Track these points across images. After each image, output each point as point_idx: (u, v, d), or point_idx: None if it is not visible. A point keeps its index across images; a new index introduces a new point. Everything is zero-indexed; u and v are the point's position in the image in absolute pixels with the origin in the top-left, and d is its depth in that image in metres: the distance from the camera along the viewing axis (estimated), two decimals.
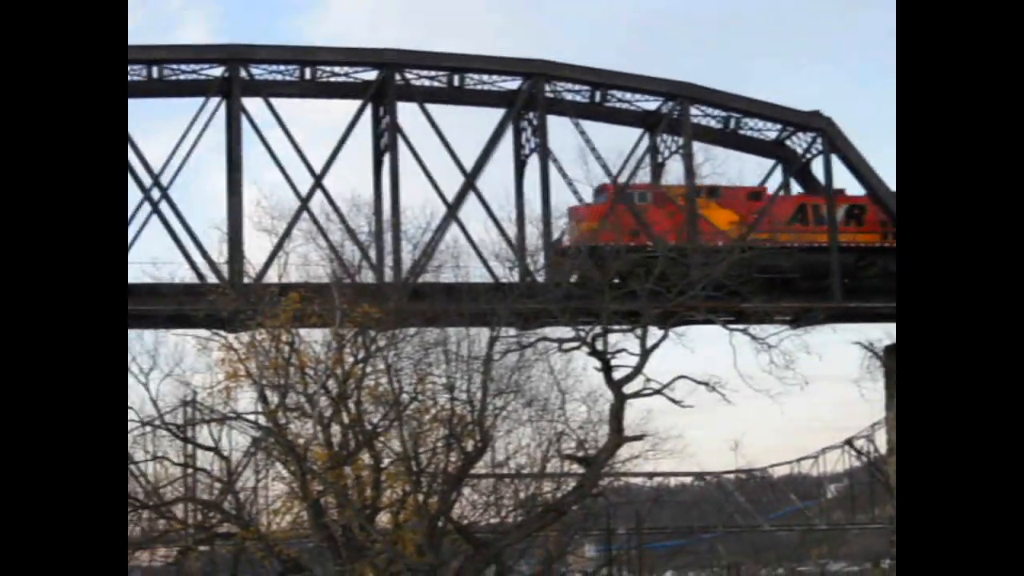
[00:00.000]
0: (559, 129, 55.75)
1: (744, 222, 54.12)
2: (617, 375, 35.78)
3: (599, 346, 36.10)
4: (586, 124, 55.42)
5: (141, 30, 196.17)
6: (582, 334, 36.41)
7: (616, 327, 36.58)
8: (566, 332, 37.22)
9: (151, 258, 62.52)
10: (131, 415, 42.84)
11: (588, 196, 54.71)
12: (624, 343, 36.61)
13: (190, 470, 48.21)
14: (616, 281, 42.60)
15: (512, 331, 37.33)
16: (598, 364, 36.15)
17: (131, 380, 41.85)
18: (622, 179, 54.64)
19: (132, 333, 44.36)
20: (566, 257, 51.28)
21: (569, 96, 55.76)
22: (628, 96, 56.03)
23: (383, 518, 35.48)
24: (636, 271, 41.66)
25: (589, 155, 54.15)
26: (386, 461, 35.43)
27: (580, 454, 36.07)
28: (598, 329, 36.24)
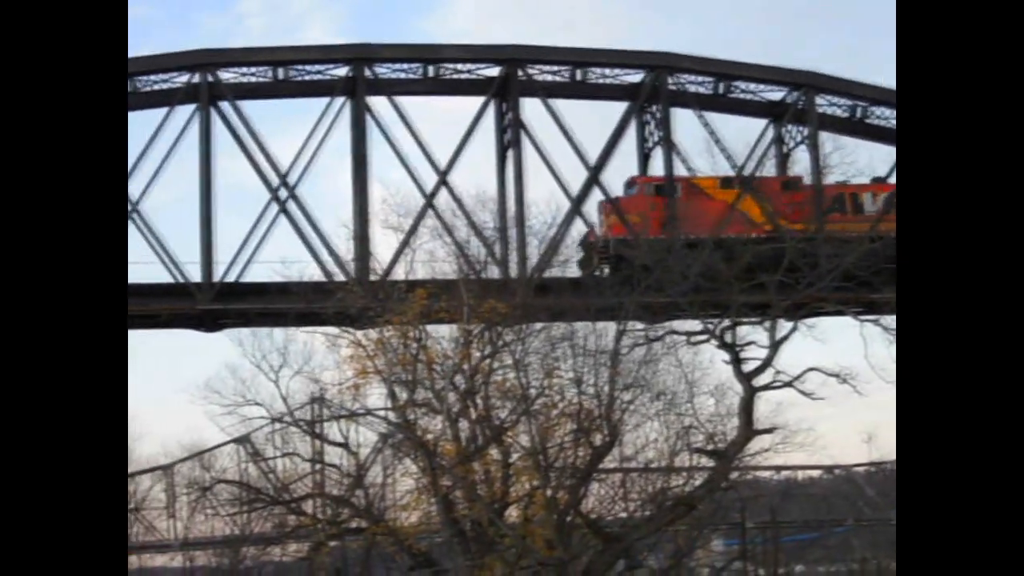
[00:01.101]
0: (683, 121, 55.35)
1: (778, 213, 53.14)
2: (747, 368, 35.38)
3: (728, 339, 35.73)
4: (710, 115, 55.01)
5: (267, 32, 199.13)
6: (711, 327, 36.06)
7: (745, 319, 36.18)
8: (694, 325, 36.91)
9: (280, 257, 63.63)
10: (262, 412, 43.68)
11: None
12: (753, 335, 36.21)
13: (319, 466, 48.85)
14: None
15: (639, 325, 37.08)
16: (727, 357, 35.79)
17: (262, 377, 42.57)
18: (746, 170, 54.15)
19: (263, 331, 45.08)
20: (594, 250, 51.18)
21: (692, 88, 55.37)
22: (752, 87, 55.46)
23: (512, 512, 35.50)
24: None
25: (714, 147, 53.79)
26: (514, 456, 35.43)
27: (709, 447, 35.75)
28: (727, 322, 35.86)
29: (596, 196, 54.01)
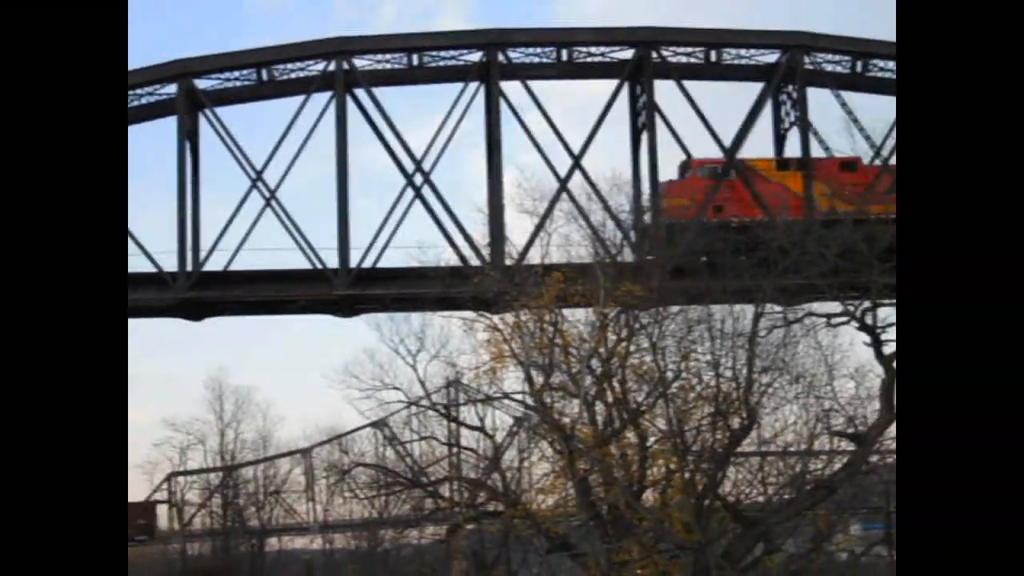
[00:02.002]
0: (820, 101, 54.64)
1: (836, 194, 51.88)
2: (887, 350, 34.81)
3: (868, 320, 35.19)
4: (848, 95, 54.23)
5: (400, 20, 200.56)
6: (851, 309, 35.54)
7: (886, 301, 35.58)
8: (833, 307, 36.40)
9: (416, 242, 64.21)
10: (399, 396, 44.10)
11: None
12: (894, 317, 35.61)
13: (456, 449, 49.21)
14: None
15: (777, 307, 36.69)
16: (867, 339, 35.24)
17: (399, 361, 42.96)
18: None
19: (399, 316, 45.51)
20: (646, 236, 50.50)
21: (829, 67, 54.61)
22: (892, 64, 54.53)
23: (649, 496, 35.40)
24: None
25: (852, 127, 53.03)
26: (651, 439, 35.32)
27: (850, 431, 35.25)
28: (867, 303, 35.32)
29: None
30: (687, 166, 53.69)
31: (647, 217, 52.28)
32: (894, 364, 34.58)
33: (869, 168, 53.35)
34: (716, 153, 53.05)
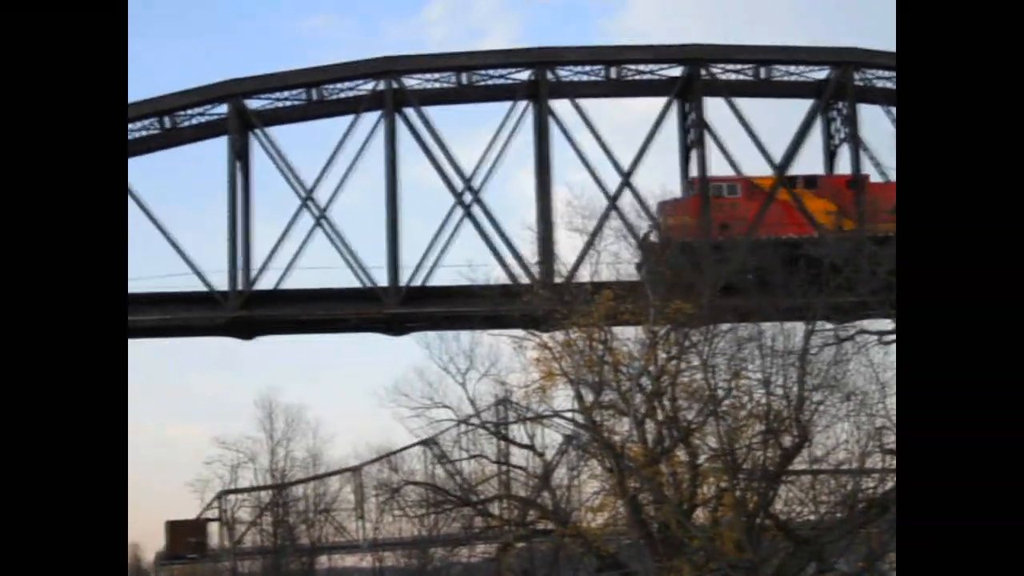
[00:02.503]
0: (870, 117, 54.31)
1: (843, 212, 51.41)
2: None
3: None
4: None
5: (449, 39, 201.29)
6: None
7: None
8: (885, 324, 36.17)
9: (466, 260, 64.27)
10: (449, 414, 44.10)
11: None
12: None
13: (506, 468, 49.13)
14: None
15: (828, 324, 36.48)
16: None
17: (449, 379, 42.99)
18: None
19: (449, 334, 45.55)
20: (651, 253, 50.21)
21: (880, 83, 54.32)
22: None
23: (700, 514, 35.23)
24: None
25: None
26: (702, 457, 35.19)
27: None
28: None
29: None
30: (691, 184, 53.46)
31: (653, 236, 52.18)
32: None
33: (882, 184, 52.85)
34: (767, 170, 52.82)
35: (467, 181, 53.04)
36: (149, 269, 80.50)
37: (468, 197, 53.26)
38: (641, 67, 54.75)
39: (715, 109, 53.60)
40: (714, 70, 53.64)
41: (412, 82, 54.30)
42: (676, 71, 54.15)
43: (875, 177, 53.24)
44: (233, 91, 53.84)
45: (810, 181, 52.94)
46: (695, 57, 53.56)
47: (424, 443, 73.23)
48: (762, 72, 54.71)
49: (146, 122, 54.56)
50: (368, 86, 53.92)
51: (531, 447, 44.22)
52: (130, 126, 54.52)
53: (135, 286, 53.65)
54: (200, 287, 52.61)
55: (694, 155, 53.56)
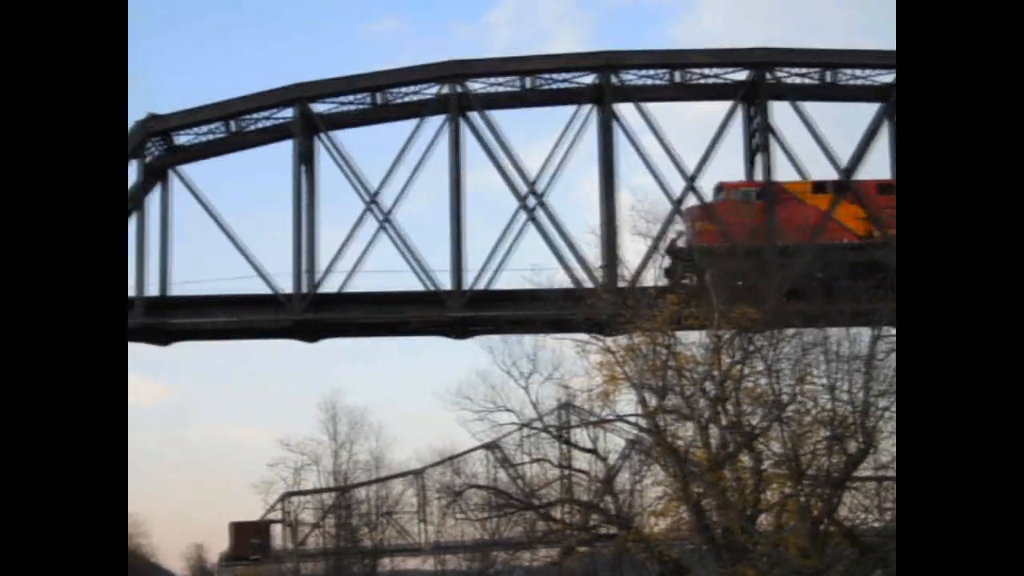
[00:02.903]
0: None
1: (874, 218, 50.86)
2: None
3: None
4: None
5: (514, 43, 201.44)
6: None
7: None
8: None
9: (530, 264, 64.28)
10: (511, 417, 44.12)
11: None
12: None
13: (568, 472, 49.08)
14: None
15: (894, 330, 36.17)
16: None
17: (512, 383, 43.01)
18: None
19: (512, 337, 45.56)
20: (677, 259, 49.97)
21: None
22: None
23: (765, 520, 35.04)
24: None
25: None
26: (766, 463, 35.00)
27: None
28: None
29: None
30: (719, 189, 53.13)
31: (680, 241, 52.00)
32: None
33: None
34: (833, 175, 52.45)
35: (531, 185, 53.05)
36: (215, 272, 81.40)
37: (532, 201, 53.26)
38: (706, 71, 54.53)
39: (781, 113, 53.33)
40: (780, 74, 53.30)
41: (477, 86, 54.37)
42: (742, 75, 53.88)
43: None
44: (299, 95, 54.15)
45: (840, 186, 52.56)
46: (761, 61, 53.27)
47: (487, 447, 73.21)
48: (828, 76, 54.30)
49: (212, 126, 55.01)
50: (433, 90, 54.05)
51: (594, 451, 44.17)
52: (196, 130, 55.02)
53: (201, 288, 54.20)
54: (265, 290, 52.96)
55: (759, 159, 53.26)
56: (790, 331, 35.74)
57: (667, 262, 50.56)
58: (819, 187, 52.28)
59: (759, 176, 53.29)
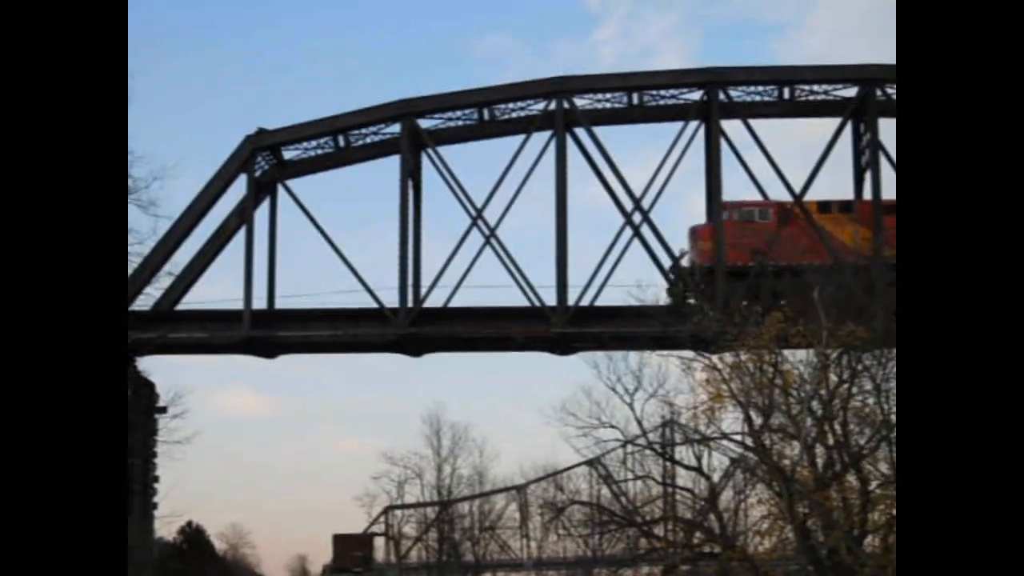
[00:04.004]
0: None
1: (879, 238, 50.11)
2: None
3: None
4: None
5: (620, 59, 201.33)
6: None
7: None
8: None
9: (636, 281, 64.23)
10: (615, 434, 43.96)
11: None
12: None
13: (671, 489, 48.81)
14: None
15: None
16: None
17: (616, 400, 42.85)
18: None
19: (617, 354, 45.44)
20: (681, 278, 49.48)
21: None
22: None
23: (871, 541, 34.56)
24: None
25: None
26: (873, 483, 34.51)
27: None
28: None
29: None
30: (723, 208, 52.68)
31: (684, 261, 51.73)
32: None
33: None
34: None
35: (637, 201, 52.98)
36: (321, 286, 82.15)
37: (637, 217, 53.18)
38: (815, 87, 54.14)
39: (890, 130, 52.78)
40: (890, 90, 52.70)
41: (583, 102, 54.45)
42: (851, 91, 53.41)
43: None
44: (406, 110, 54.58)
45: (846, 206, 52.06)
46: (870, 77, 52.75)
47: (589, 463, 73.21)
48: None
49: (320, 140, 55.61)
50: (539, 106, 54.22)
51: (698, 469, 43.84)
52: (305, 145, 55.67)
53: (307, 302, 54.83)
54: (371, 304, 53.38)
55: (868, 176, 52.72)
56: None
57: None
58: (824, 207, 51.98)
59: (867, 195, 52.74)
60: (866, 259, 48.44)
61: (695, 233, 53.14)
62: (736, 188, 59.85)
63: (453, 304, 53.09)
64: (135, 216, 38.91)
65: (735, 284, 49.67)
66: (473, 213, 53.69)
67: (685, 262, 52.50)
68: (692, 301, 49.87)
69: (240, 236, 54.51)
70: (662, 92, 54.71)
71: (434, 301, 53.42)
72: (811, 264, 48.76)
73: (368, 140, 55.76)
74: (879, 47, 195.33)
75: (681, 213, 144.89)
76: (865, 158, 53.24)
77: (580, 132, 54.00)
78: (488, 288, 58.45)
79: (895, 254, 45.09)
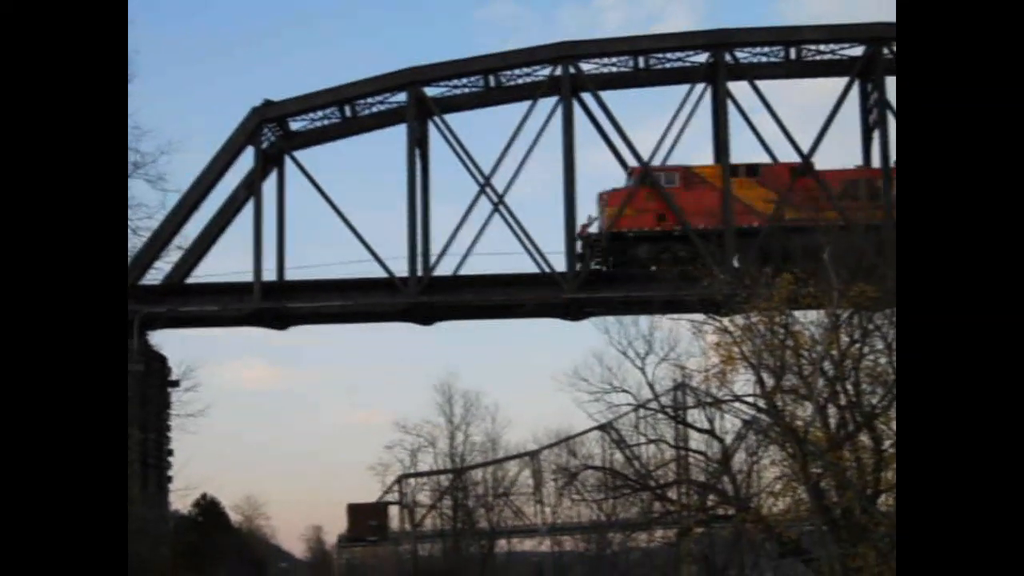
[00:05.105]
0: None
1: (785, 201, 50.45)
2: None
3: None
4: None
5: (626, 23, 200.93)
6: None
7: None
8: None
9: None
10: (627, 399, 44.02)
11: None
12: None
13: (684, 452, 48.90)
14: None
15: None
16: None
17: (627, 364, 42.91)
18: None
19: (628, 318, 45.48)
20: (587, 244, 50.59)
21: None
22: None
23: (885, 500, 34.59)
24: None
25: None
26: (887, 442, 34.51)
27: None
28: None
29: None
30: (630, 174, 52.74)
31: (592, 227, 51.87)
32: None
33: (830, 171, 51.93)
34: None
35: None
36: (331, 256, 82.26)
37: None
38: (821, 47, 53.97)
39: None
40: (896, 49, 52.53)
41: (589, 67, 54.31)
42: (857, 51, 53.22)
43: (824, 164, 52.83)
44: (412, 79, 54.49)
45: (752, 169, 52.27)
46: (876, 36, 52.54)
47: (602, 428, 73.37)
48: None
49: (326, 111, 55.54)
50: (545, 72, 54.12)
51: (710, 432, 43.92)
52: (311, 116, 55.61)
53: (317, 272, 54.87)
54: (380, 273, 53.41)
55: (876, 135, 52.57)
56: None
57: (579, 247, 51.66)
58: (732, 171, 52.04)
59: (876, 153, 52.62)
60: (769, 220, 49.20)
61: (602, 198, 53.23)
62: (744, 149, 59.88)
63: (463, 272, 53.15)
64: (144, 190, 39.32)
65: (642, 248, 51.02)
66: (481, 181, 53.64)
67: (594, 228, 52.82)
68: (603, 268, 50.51)
69: (249, 208, 54.56)
70: (668, 55, 54.56)
71: (444, 269, 53.50)
72: (716, 228, 49.58)
73: (374, 109, 55.69)
74: (885, 5, 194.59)
75: None
76: (873, 117, 53.07)
77: (586, 97, 53.89)
78: (498, 255, 58.53)
79: (798, 215, 45.79)
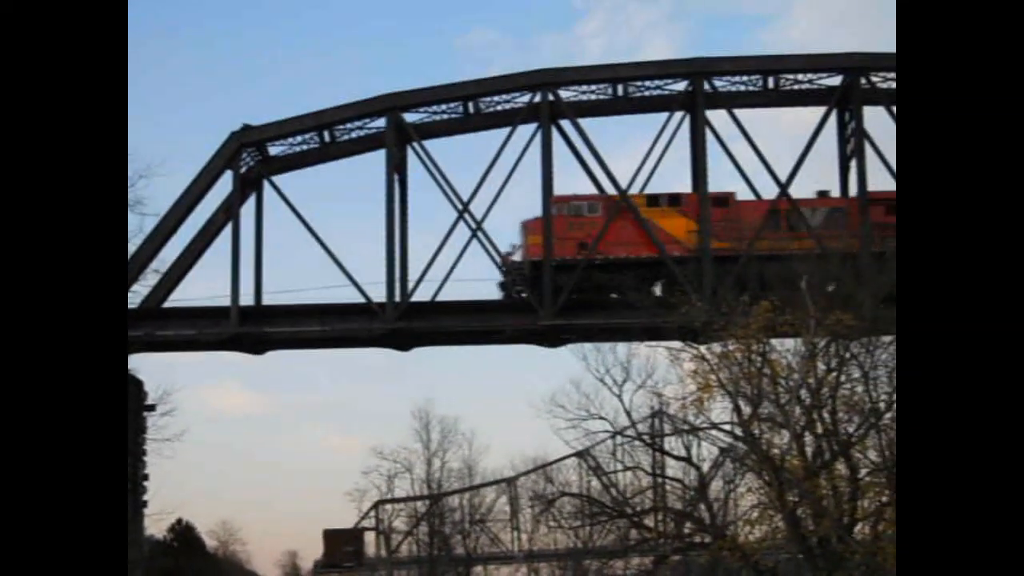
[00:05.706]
0: None
1: (704, 231, 51.18)
2: None
3: None
4: None
5: (607, 51, 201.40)
6: None
7: None
8: None
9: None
10: (604, 425, 44.05)
11: None
12: None
13: (661, 480, 48.93)
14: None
15: None
16: None
17: (605, 391, 42.94)
18: None
19: (605, 346, 45.52)
20: (510, 272, 51.29)
21: None
22: None
23: (861, 529, 34.64)
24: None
25: None
26: (863, 471, 34.61)
27: None
28: None
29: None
30: (553, 203, 53.03)
31: (517, 256, 52.34)
32: None
33: (749, 202, 52.17)
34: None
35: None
36: (309, 281, 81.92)
37: None
38: (799, 76, 54.18)
39: (876, 118, 52.85)
40: (874, 78, 52.77)
41: (568, 94, 54.41)
42: (835, 80, 53.46)
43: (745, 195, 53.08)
44: (392, 105, 54.50)
45: (674, 199, 52.69)
46: (854, 66, 52.79)
47: (579, 454, 73.27)
48: None
49: (305, 136, 55.52)
50: (524, 99, 54.15)
51: (687, 459, 43.99)
52: (290, 140, 55.57)
53: (295, 297, 54.70)
54: (358, 299, 53.29)
55: (853, 165, 52.78)
56: (886, 338, 35.30)
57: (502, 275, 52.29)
58: (653, 200, 52.44)
59: (853, 182, 52.82)
60: (690, 250, 49.57)
61: (525, 227, 53.43)
62: (722, 178, 59.99)
63: (441, 298, 53.02)
64: None
65: (564, 278, 51.24)
66: (460, 207, 53.62)
67: (517, 256, 52.98)
68: (526, 295, 50.72)
69: (227, 233, 54.40)
70: (647, 83, 54.69)
71: (422, 295, 53.38)
72: (637, 257, 50.22)
73: (354, 135, 55.64)
74: (863, 35, 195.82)
75: None
76: (850, 146, 53.29)
77: (566, 124, 53.98)
78: (476, 281, 58.48)
79: (721, 245, 46.71)
